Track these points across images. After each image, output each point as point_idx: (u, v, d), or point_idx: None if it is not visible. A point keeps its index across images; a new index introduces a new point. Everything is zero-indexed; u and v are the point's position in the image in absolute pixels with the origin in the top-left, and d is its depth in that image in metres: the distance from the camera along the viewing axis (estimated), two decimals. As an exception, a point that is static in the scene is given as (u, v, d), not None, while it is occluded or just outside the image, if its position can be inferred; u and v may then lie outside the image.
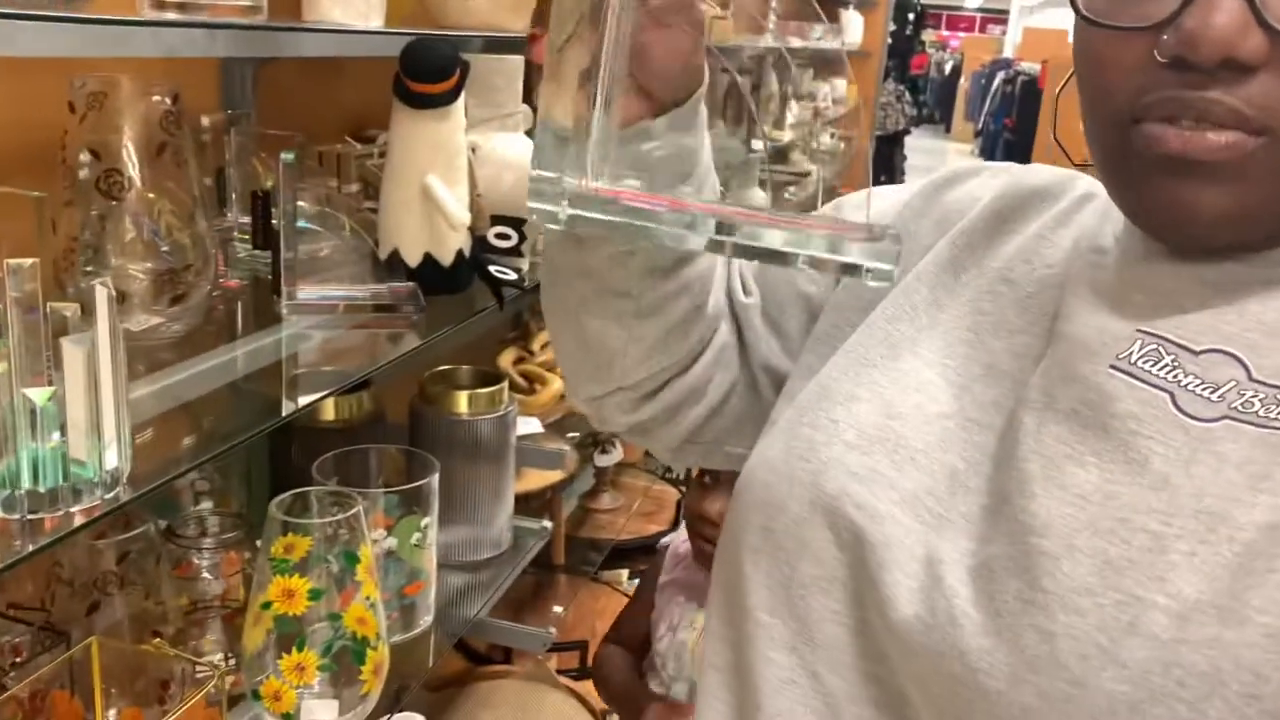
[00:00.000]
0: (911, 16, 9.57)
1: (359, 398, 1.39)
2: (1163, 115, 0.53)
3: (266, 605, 1.03)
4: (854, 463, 0.60)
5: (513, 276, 1.29)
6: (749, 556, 0.63)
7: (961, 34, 20.88)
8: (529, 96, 1.42)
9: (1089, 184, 0.69)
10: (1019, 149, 9.44)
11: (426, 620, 1.32)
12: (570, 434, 2.07)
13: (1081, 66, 0.57)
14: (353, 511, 1.05)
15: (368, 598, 1.08)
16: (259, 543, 1.08)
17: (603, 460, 2.35)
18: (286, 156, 1.12)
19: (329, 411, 1.38)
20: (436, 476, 1.26)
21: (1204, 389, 0.52)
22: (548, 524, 1.61)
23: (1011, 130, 9.91)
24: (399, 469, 1.32)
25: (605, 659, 1.46)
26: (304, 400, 1.07)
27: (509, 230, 1.32)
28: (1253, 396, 0.52)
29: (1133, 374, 0.54)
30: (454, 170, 1.20)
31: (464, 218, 1.19)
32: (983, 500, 0.57)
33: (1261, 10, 0.49)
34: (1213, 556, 0.49)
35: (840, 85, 5.86)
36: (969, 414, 0.60)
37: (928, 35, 14.64)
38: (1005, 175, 0.72)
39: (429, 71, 1.16)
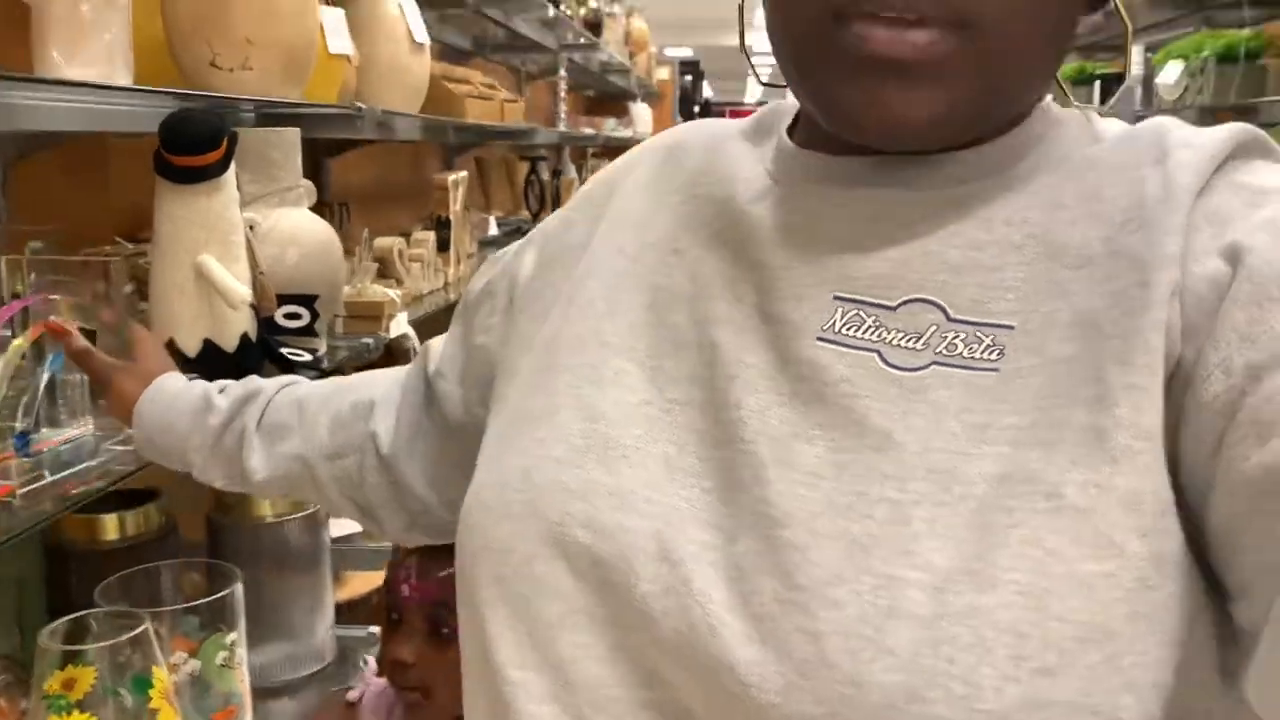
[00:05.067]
0: (696, 110, 9.92)
1: (145, 511, 1.25)
2: (868, 10, 0.49)
3: (44, 754, 0.89)
4: (569, 479, 0.56)
5: (307, 358, 1.20)
6: (487, 613, 0.57)
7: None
8: (310, 173, 1.34)
9: (697, 129, 0.68)
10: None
11: (245, 750, 1.18)
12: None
13: None
14: (140, 629, 0.92)
15: (167, 728, 0.95)
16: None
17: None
18: (34, 244, 1.01)
19: (111, 530, 1.23)
20: (239, 586, 1.13)
21: (908, 340, 0.52)
22: (375, 629, 1.48)
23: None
24: (198, 586, 1.18)
25: None
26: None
27: (299, 309, 1.22)
28: (955, 338, 0.51)
29: (839, 341, 0.53)
30: (230, 246, 1.10)
31: (244, 294, 1.09)
32: (704, 483, 0.54)
33: None
34: (953, 519, 0.47)
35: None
36: (668, 395, 0.57)
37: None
38: (647, 148, 0.70)
39: (192, 142, 1.07)
